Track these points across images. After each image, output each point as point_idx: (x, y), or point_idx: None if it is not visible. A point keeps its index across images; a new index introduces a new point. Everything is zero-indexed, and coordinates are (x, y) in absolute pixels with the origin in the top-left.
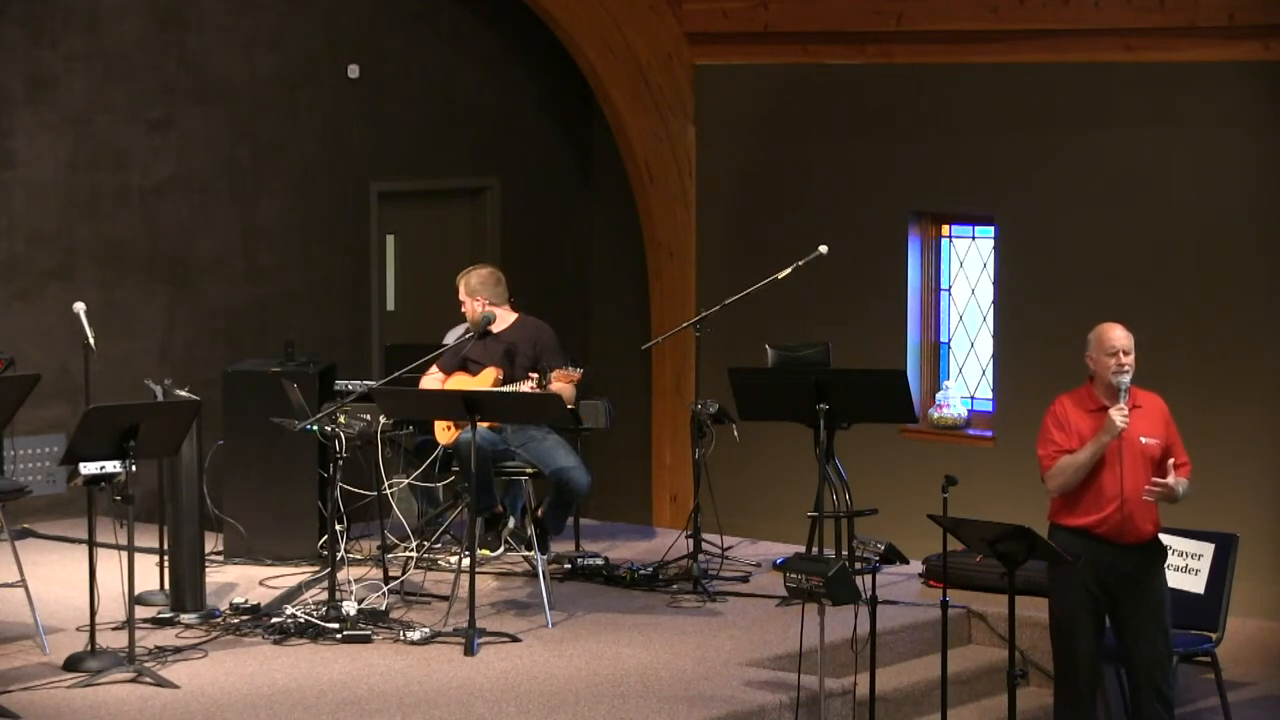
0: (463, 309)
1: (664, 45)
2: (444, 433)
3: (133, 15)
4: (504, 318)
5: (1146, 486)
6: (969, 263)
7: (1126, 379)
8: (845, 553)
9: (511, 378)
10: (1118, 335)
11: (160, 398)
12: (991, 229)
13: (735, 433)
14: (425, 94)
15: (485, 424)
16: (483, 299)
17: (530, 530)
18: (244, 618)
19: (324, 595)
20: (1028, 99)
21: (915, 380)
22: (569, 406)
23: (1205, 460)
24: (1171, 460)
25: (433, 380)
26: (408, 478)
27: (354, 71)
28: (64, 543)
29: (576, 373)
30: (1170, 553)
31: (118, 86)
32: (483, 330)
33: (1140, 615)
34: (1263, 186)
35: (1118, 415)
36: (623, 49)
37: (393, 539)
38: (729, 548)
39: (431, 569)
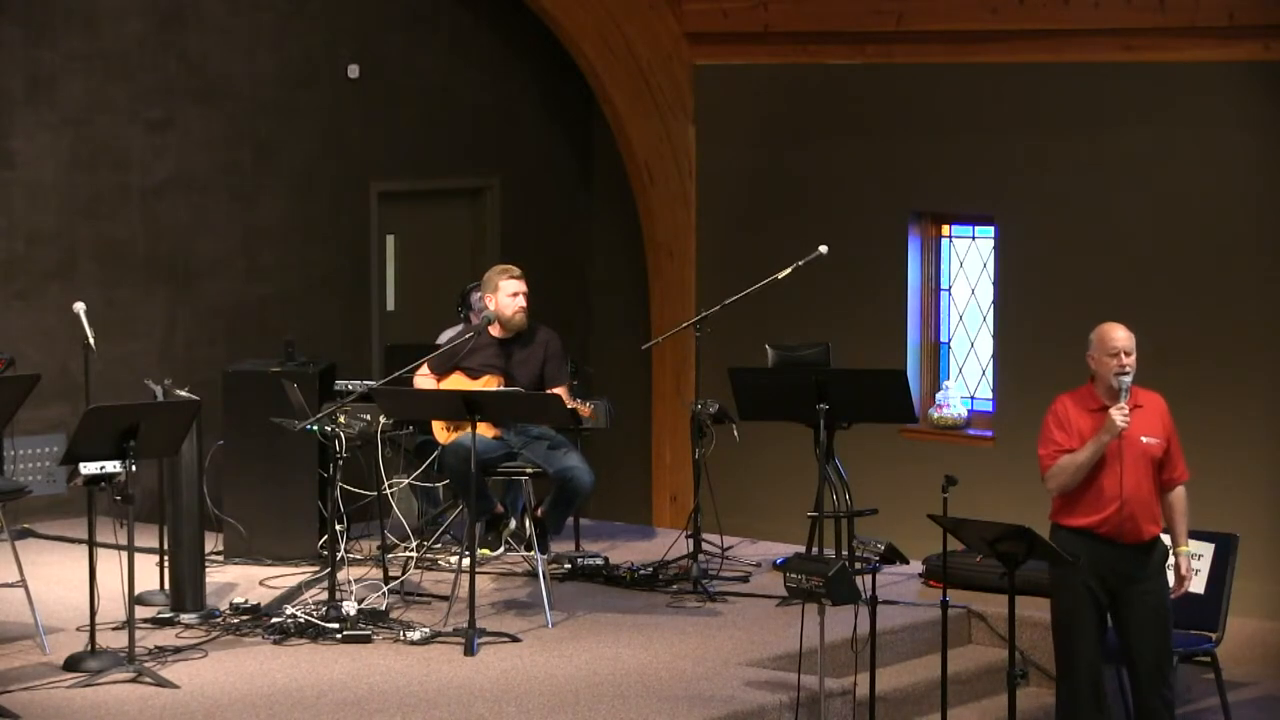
0: (495, 305)
1: (664, 45)
2: (443, 432)
3: (133, 15)
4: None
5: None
6: (969, 263)
7: (1128, 379)
8: (845, 553)
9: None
10: (1120, 336)
11: (160, 398)
12: (991, 229)
13: (735, 433)
14: (425, 94)
15: (489, 432)
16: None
17: (530, 530)
18: (244, 618)
19: (324, 595)
20: (1027, 99)
21: (915, 380)
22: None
23: (1205, 460)
24: (1177, 567)
25: (426, 382)
26: (408, 478)
27: (354, 71)
28: (64, 543)
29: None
30: (1170, 553)
31: (118, 86)
32: (484, 328)
33: (1141, 615)
34: (1263, 186)
35: (1118, 415)
36: (623, 49)
37: (393, 539)
38: (729, 548)
39: (431, 569)
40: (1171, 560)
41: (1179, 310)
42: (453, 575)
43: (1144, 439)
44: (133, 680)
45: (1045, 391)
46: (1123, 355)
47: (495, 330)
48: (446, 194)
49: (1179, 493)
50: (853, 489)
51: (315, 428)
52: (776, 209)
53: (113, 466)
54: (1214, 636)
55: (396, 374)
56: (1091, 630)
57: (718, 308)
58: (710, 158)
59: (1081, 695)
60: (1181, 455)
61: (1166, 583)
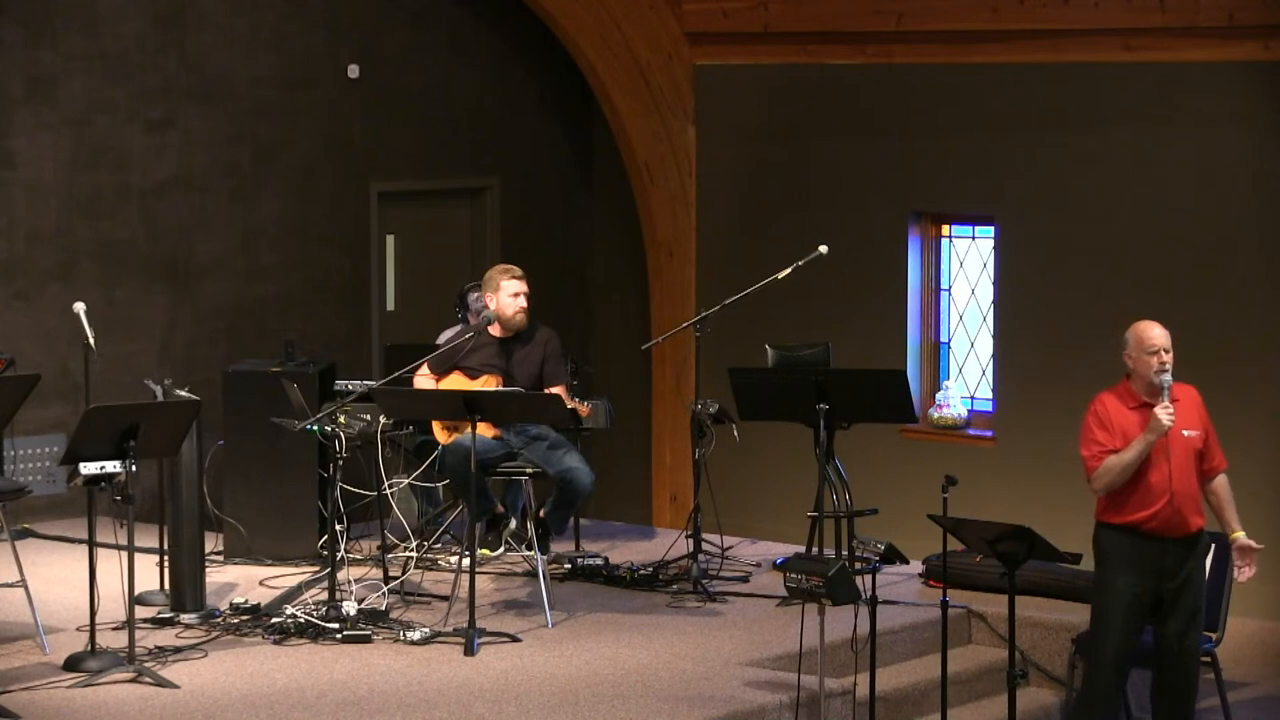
0: (496, 305)
1: (664, 45)
2: (443, 433)
3: (133, 15)
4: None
5: (1243, 572)
6: (969, 263)
7: (1168, 376)
8: (845, 553)
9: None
10: (1157, 334)
11: (160, 398)
12: (991, 229)
13: (735, 433)
14: (425, 94)
15: (489, 432)
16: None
17: (531, 530)
18: (244, 618)
19: (324, 595)
20: (1028, 99)
21: (915, 380)
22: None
23: None
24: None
25: (425, 382)
26: (408, 478)
27: (354, 71)
28: (64, 543)
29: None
30: (1228, 538)
31: (118, 86)
32: (484, 328)
33: (1184, 608)
34: (1262, 186)
35: (1164, 414)
36: (623, 49)
37: (393, 539)
38: (729, 548)
39: (431, 569)
40: (1230, 544)
41: (1178, 310)
42: (453, 575)
43: (1185, 433)
44: (133, 680)
45: (1045, 391)
46: (1162, 353)
47: (495, 330)
48: (446, 194)
49: (1221, 480)
50: (853, 489)
51: (315, 428)
52: (776, 209)
53: (113, 466)
54: (1214, 636)
55: (396, 374)
56: (1118, 634)
57: (718, 308)
58: (710, 158)
59: (1098, 695)
60: (1219, 443)
61: (1204, 579)
